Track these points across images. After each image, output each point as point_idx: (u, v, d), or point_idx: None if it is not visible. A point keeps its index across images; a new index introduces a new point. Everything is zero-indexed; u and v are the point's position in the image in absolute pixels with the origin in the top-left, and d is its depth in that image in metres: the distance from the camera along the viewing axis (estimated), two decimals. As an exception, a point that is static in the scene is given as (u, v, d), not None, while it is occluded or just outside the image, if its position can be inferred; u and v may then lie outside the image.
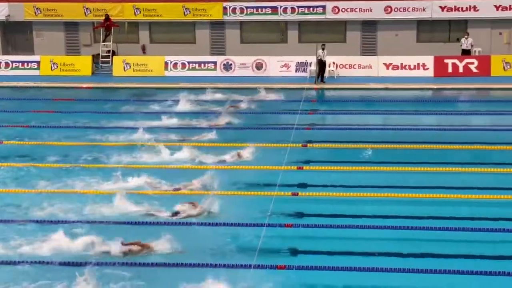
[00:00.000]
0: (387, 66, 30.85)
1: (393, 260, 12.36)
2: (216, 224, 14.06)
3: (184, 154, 18.67)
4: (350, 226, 13.92)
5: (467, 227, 13.73)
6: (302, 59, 31.17)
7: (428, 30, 32.83)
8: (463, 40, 31.44)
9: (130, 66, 32.25)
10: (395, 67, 30.75)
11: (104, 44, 33.70)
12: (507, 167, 17.56)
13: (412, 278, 11.73)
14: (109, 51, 33.61)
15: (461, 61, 30.61)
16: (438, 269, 11.81)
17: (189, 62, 32.08)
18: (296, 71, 31.29)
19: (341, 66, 30.96)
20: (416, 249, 12.84)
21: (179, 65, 32.08)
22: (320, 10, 33.02)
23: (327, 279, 11.71)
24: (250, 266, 11.98)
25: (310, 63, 30.81)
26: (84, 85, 30.26)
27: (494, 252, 12.72)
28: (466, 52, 31.30)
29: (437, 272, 11.75)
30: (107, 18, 33.54)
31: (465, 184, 16.34)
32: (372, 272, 11.90)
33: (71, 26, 34.88)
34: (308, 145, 19.97)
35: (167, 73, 32.00)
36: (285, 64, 31.42)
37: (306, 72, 31.01)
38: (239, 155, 18.54)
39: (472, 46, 31.41)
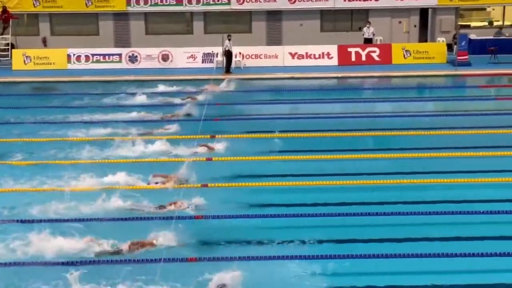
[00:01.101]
0: (293, 55, 31.26)
1: (299, 248, 12.55)
2: (124, 219, 13.83)
3: (92, 151, 18.36)
4: (260, 216, 14.02)
5: (373, 212, 14.11)
6: (208, 50, 31.12)
7: (331, 19, 33.47)
8: (365, 29, 32.24)
9: (30, 60, 31.21)
10: (300, 57, 31.20)
11: (2, 37, 32.48)
12: (408, 152, 18.15)
13: (320, 264, 11.94)
14: (7, 44, 32.42)
15: (363, 50, 31.39)
16: (338, 254, 12.10)
17: (93, 55, 31.39)
18: (203, 62, 31.21)
19: (247, 56, 31.12)
20: (325, 236, 13.07)
21: (83, 58, 31.33)
22: (225, 0, 33.04)
23: (238, 270, 11.71)
24: (160, 260, 11.85)
25: (217, 54, 30.78)
26: (-18, 80, 29.07)
27: (394, 235, 13.15)
28: (368, 41, 32.12)
29: (337, 258, 12.02)
30: (5, 10, 32.32)
31: (369, 170, 16.77)
32: (282, 260, 12.03)
33: (-34, 19, 33.38)
34: (217, 136, 19.93)
35: (70, 66, 31.20)
36: (192, 55, 31.29)
37: (213, 63, 30.97)
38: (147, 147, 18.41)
39: (373, 35, 32.27)
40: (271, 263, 11.98)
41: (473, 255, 12.06)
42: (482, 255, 12.05)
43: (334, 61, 31.23)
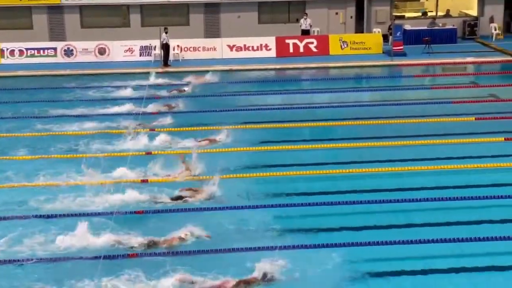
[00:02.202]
0: (231, 47, 31.24)
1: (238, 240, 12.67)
2: (59, 215, 13.65)
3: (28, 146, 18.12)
4: (202, 209, 14.06)
5: (310, 202, 14.34)
6: (146, 43, 30.81)
7: (269, 11, 33.55)
8: (302, 20, 32.45)
9: (-38, 55, 30.31)
10: (239, 49, 31.22)
11: None
12: (345, 142, 18.44)
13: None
14: None
15: (301, 41, 31.61)
16: (265, 246, 12.28)
17: (27, 49, 30.66)
18: (140, 55, 30.86)
19: (185, 49, 30.95)
20: (266, 227, 13.24)
21: (17, 52, 30.57)
22: (162, -8, 32.72)
23: (184, 264, 11.72)
24: (100, 257, 11.75)
25: (155, 47, 30.52)
26: None
27: (328, 224, 13.44)
28: (305, 32, 32.34)
29: (264, 249, 12.18)
30: None
31: (305, 161, 16.99)
32: (228, 254, 12.13)
33: None
34: (156, 129, 19.81)
35: (3, 61, 30.40)
36: (129, 48, 30.91)
37: (150, 56, 30.69)
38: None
39: (311, 26, 32.50)
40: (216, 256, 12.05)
41: (412, 242, 12.43)
42: (419, 241, 12.43)
43: (272, 53, 31.36)
